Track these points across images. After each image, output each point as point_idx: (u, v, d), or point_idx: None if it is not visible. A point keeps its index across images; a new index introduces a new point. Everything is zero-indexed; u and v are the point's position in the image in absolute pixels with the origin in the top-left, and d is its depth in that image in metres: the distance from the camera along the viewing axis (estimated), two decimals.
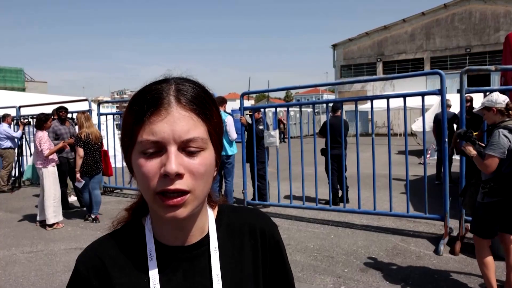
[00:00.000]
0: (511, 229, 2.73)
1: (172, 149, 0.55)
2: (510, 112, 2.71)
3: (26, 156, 8.50)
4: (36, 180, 5.35)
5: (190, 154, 0.57)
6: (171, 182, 0.55)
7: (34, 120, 7.80)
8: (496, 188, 2.63)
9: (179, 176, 0.55)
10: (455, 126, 6.39)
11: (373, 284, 3.21)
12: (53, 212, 5.04)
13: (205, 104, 0.60)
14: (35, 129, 5.39)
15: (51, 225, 5.01)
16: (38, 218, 5.18)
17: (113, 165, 7.30)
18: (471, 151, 2.74)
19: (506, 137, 2.61)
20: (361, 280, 3.28)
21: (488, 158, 2.63)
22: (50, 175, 5.13)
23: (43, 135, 5.15)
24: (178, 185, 0.55)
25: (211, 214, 0.68)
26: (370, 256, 3.81)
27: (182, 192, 0.56)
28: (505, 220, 2.69)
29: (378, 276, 3.36)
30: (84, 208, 5.91)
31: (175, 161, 0.55)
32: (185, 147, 0.56)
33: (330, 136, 5.21)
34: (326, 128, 5.21)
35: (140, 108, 0.57)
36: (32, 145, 5.20)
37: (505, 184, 2.61)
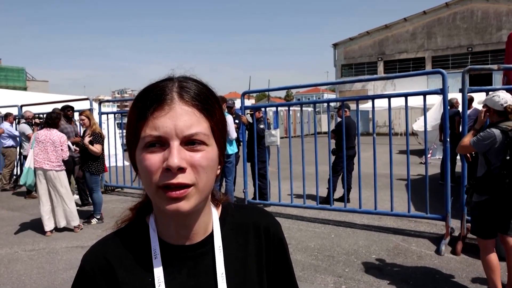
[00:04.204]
0: (505, 228, 2.72)
1: (175, 144, 0.56)
2: (510, 115, 2.72)
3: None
4: (33, 186, 4.80)
5: (193, 149, 0.57)
6: (173, 176, 0.55)
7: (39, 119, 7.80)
8: (484, 186, 2.68)
9: (181, 170, 0.55)
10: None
11: (374, 284, 3.21)
12: (76, 214, 4.91)
13: (207, 100, 0.60)
14: (41, 127, 4.97)
15: (78, 226, 4.89)
16: (63, 224, 4.76)
17: (113, 164, 7.34)
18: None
19: (492, 132, 2.66)
20: (362, 280, 3.28)
21: (467, 143, 2.82)
22: (65, 177, 4.88)
23: (64, 135, 4.89)
24: (181, 179, 0.55)
25: (215, 213, 0.68)
26: (371, 256, 3.81)
27: (185, 186, 0.56)
28: (498, 219, 2.70)
29: (379, 276, 3.36)
30: (85, 207, 5.93)
31: (177, 155, 0.55)
32: (188, 142, 0.57)
33: (346, 136, 5.14)
34: (342, 128, 5.13)
35: (143, 104, 0.58)
36: (32, 144, 4.75)
37: (492, 183, 2.65)
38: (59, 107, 6.49)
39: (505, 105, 2.70)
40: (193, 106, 0.58)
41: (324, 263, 3.67)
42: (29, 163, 4.69)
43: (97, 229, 4.95)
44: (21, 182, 4.76)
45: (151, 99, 0.58)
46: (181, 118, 0.57)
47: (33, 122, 6.90)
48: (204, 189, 0.59)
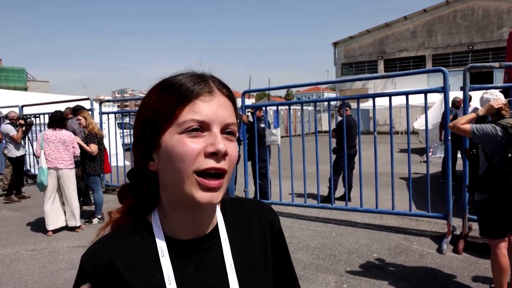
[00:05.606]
0: (508, 227, 2.69)
1: (217, 130, 0.58)
2: (502, 112, 2.76)
3: (29, 155, 8.51)
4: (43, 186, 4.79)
5: (228, 138, 0.60)
6: (217, 160, 0.57)
7: (42, 119, 7.77)
8: (485, 184, 2.67)
9: (223, 156, 0.58)
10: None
11: (375, 282, 3.21)
12: (79, 214, 4.92)
13: (234, 97, 0.65)
14: (47, 128, 4.92)
15: (79, 226, 4.90)
16: (71, 223, 4.82)
17: (114, 164, 7.34)
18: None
19: (495, 129, 2.66)
20: (364, 279, 3.28)
21: (467, 127, 2.77)
22: (74, 175, 4.93)
23: (72, 134, 4.95)
24: (222, 164, 0.57)
25: (217, 207, 0.69)
26: (372, 254, 3.81)
27: (220, 175, 0.58)
28: (503, 217, 2.66)
29: (381, 274, 3.36)
30: (85, 207, 5.93)
31: (222, 141, 0.57)
32: (224, 131, 0.60)
33: (347, 135, 5.12)
34: (342, 127, 5.09)
35: (185, 90, 0.59)
36: (41, 144, 4.74)
37: (493, 181, 2.63)
38: (70, 108, 6.45)
39: (486, 102, 2.80)
40: (229, 99, 0.63)
41: (325, 262, 3.66)
42: (43, 164, 4.67)
43: (98, 229, 4.95)
44: (42, 181, 4.68)
45: (193, 86, 0.59)
46: (222, 107, 0.60)
47: (18, 123, 6.72)
48: (228, 181, 0.60)
